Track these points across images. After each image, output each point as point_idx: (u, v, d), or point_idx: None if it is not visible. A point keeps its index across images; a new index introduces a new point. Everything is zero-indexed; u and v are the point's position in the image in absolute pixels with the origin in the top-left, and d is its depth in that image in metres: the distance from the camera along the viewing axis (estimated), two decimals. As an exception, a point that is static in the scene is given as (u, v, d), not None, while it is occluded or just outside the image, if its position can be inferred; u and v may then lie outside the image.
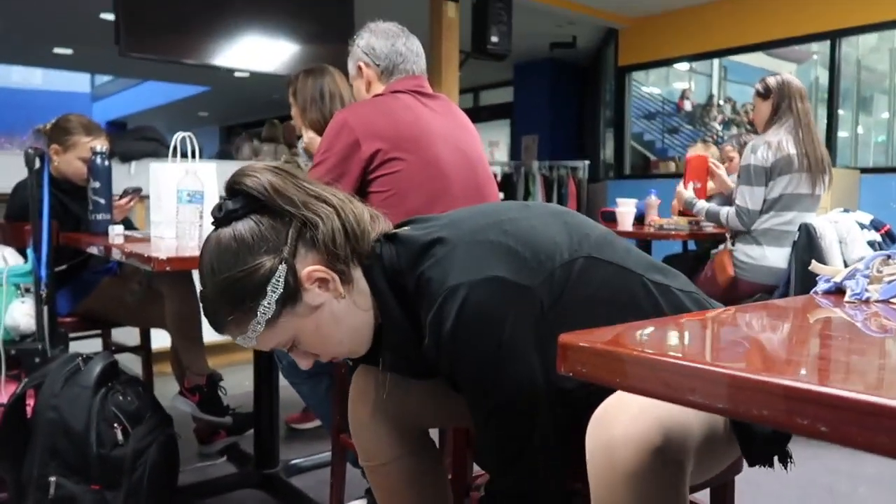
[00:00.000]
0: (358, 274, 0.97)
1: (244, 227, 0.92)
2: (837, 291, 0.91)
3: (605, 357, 0.57)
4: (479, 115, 9.87)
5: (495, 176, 8.08)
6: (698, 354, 0.53)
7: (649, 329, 0.66)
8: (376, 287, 0.97)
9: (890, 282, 0.87)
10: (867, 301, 0.85)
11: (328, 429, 1.92)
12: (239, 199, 0.93)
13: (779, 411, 0.46)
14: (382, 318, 0.99)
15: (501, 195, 5.23)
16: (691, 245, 3.73)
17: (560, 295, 0.92)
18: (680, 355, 0.53)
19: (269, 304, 0.90)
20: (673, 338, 0.64)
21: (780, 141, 2.58)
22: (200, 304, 0.98)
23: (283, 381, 2.00)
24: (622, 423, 0.74)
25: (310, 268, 0.92)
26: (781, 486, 2.05)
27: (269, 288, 0.90)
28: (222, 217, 0.94)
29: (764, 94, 2.71)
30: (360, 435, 1.16)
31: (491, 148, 9.96)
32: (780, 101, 2.64)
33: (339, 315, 0.95)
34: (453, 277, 0.88)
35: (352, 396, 1.18)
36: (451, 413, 1.18)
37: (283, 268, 0.90)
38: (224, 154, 6.26)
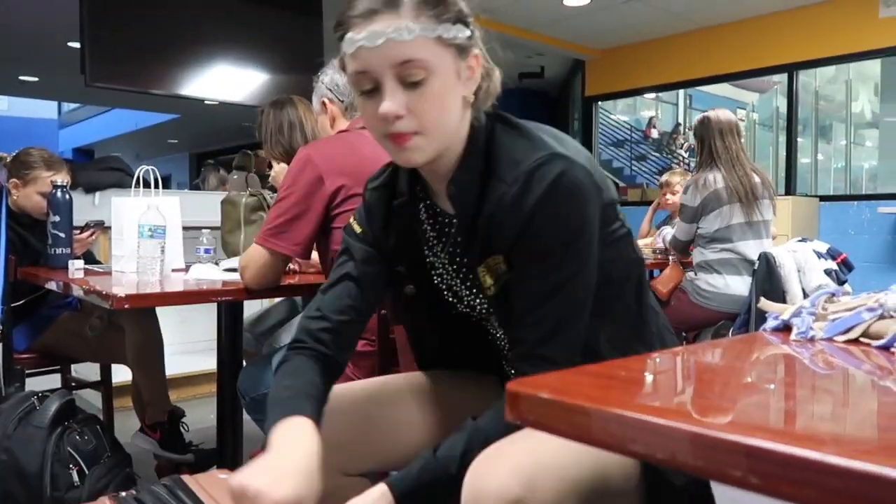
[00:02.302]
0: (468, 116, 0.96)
1: None
2: (786, 328, 0.93)
3: (549, 406, 0.58)
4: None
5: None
6: (639, 404, 0.54)
7: (595, 375, 0.67)
8: (479, 125, 0.96)
9: (833, 320, 0.89)
10: (812, 339, 0.87)
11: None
12: None
13: (713, 462, 0.47)
14: (466, 155, 0.95)
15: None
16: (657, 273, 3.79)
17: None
18: (619, 405, 0.54)
19: (458, 31, 0.88)
20: (618, 385, 0.65)
21: (706, 179, 2.72)
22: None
23: (247, 416, 1.97)
24: (489, 476, 0.77)
25: (480, 56, 0.92)
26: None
27: (469, 21, 0.90)
28: None
29: (694, 134, 2.89)
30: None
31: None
32: (703, 139, 2.79)
33: (457, 108, 0.91)
34: (559, 149, 0.91)
35: None
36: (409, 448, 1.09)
37: (473, 28, 0.91)
38: (196, 187, 6.22)
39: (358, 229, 1.07)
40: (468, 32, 0.90)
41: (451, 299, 1.08)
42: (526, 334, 0.94)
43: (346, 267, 1.05)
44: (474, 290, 1.04)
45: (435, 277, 1.08)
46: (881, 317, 0.85)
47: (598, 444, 0.55)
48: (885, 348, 0.79)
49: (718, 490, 0.63)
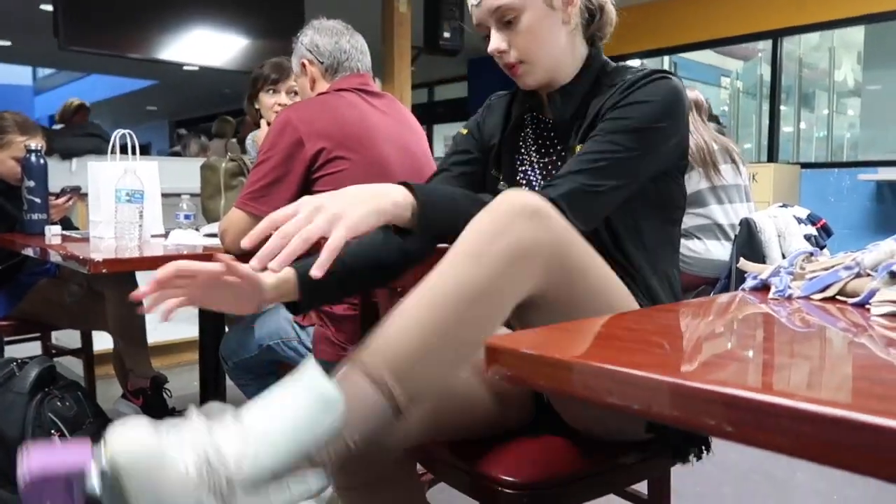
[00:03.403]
0: (583, 43, 1.11)
1: None
2: (764, 288, 0.94)
3: (528, 361, 0.58)
4: (434, 110, 9.86)
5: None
6: (616, 357, 0.55)
7: (574, 331, 0.67)
8: (597, 53, 1.11)
9: (811, 279, 0.90)
10: (790, 298, 0.88)
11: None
12: None
13: (689, 412, 0.48)
14: (580, 73, 1.09)
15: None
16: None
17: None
18: (597, 359, 0.54)
19: None
20: (595, 341, 0.65)
21: None
22: None
23: (230, 382, 1.97)
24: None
25: None
26: (720, 471, 2.11)
27: None
28: None
29: None
30: None
31: (447, 142, 9.97)
32: None
33: (558, 34, 1.06)
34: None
35: None
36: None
37: None
38: (176, 153, 6.13)
39: (465, 132, 1.23)
40: None
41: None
42: (574, 164, 1.00)
43: (446, 163, 1.20)
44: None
45: (520, 174, 1.16)
46: (857, 275, 0.86)
47: (577, 397, 0.55)
48: (861, 305, 0.80)
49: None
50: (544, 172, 1.13)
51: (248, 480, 0.67)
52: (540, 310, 0.84)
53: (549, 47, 1.06)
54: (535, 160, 1.15)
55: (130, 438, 0.66)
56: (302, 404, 0.71)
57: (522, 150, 1.17)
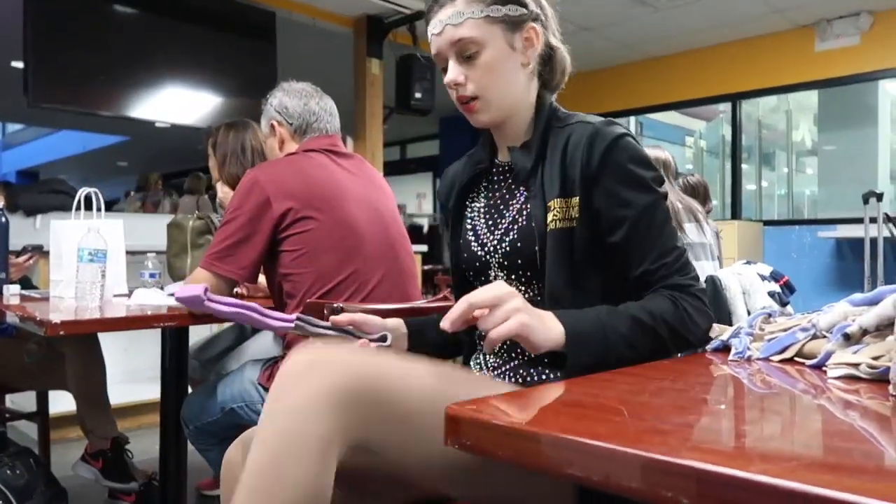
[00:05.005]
0: (536, 88, 1.12)
1: None
2: (725, 349, 0.95)
3: (488, 430, 0.58)
4: (406, 166, 9.98)
5: (421, 228, 8.12)
6: (575, 427, 0.54)
7: (533, 397, 0.66)
8: (547, 100, 1.12)
9: (770, 339, 0.91)
10: (749, 359, 0.89)
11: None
12: None
13: (647, 484, 0.48)
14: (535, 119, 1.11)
15: (425, 248, 5.24)
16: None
17: None
18: (557, 428, 0.54)
19: (508, 10, 1.05)
20: (556, 408, 0.65)
21: None
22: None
23: (192, 447, 1.91)
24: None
25: (538, 29, 1.08)
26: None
27: (527, 2, 1.06)
28: None
29: None
30: None
31: (419, 199, 10.04)
32: None
33: (516, 74, 1.08)
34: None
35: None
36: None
37: (533, 7, 1.07)
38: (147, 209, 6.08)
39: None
40: (522, 10, 1.06)
41: (472, 243, 1.16)
42: (647, 264, 1.00)
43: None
44: (502, 230, 1.11)
45: (467, 220, 1.18)
46: (814, 336, 0.87)
47: (536, 468, 0.55)
48: (818, 367, 0.81)
49: None
50: (487, 216, 1.14)
51: None
52: (382, 444, 0.82)
53: (506, 86, 1.07)
54: (481, 205, 1.16)
55: None
56: None
57: (474, 199, 1.19)
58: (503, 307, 0.85)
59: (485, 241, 1.13)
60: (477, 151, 1.19)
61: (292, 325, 1.02)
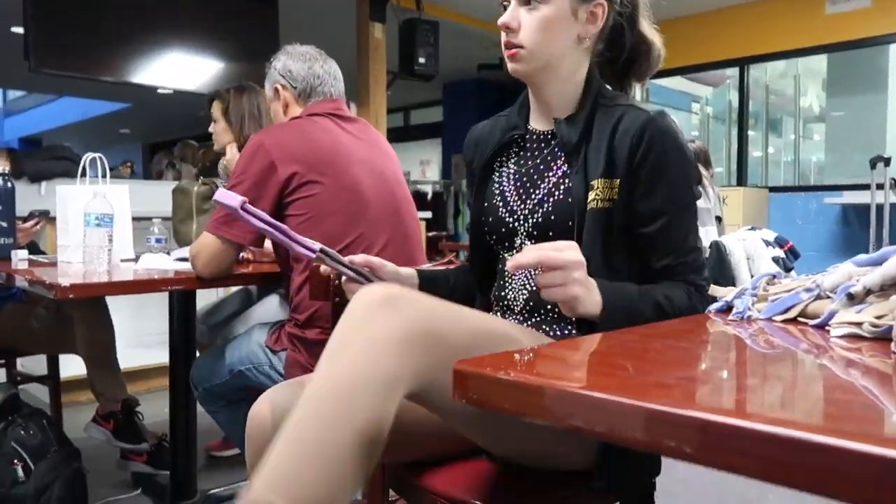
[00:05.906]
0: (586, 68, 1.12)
1: None
2: (729, 309, 0.96)
3: (494, 384, 0.59)
4: (409, 133, 9.91)
5: (426, 195, 8.08)
6: (581, 380, 0.55)
7: (538, 354, 0.67)
8: (592, 78, 1.12)
9: (774, 300, 0.92)
10: (749, 319, 0.89)
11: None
12: None
13: (649, 434, 0.49)
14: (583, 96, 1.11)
15: (429, 214, 5.23)
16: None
17: None
18: (562, 382, 0.55)
19: None
20: (560, 363, 0.66)
21: None
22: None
23: (201, 409, 1.94)
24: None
25: (605, 8, 1.09)
26: (696, 493, 2.12)
27: None
28: None
29: None
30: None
31: (422, 166, 10.00)
32: None
33: (567, 41, 1.08)
34: None
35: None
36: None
37: None
38: (150, 175, 6.07)
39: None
40: None
41: (500, 208, 1.15)
42: (666, 251, 1.05)
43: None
44: (535, 201, 1.12)
45: (495, 185, 1.18)
46: (818, 297, 0.88)
47: (541, 419, 0.56)
48: (821, 327, 0.82)
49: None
50: (518, 183, 1.14)
51: None
52: (437, 389, 0.82)
53: (553, 48, 1.07)
54: (511, 171, 1.16)
55: None
56: None
57: (503, 164, 1.19)
58: (566, 272, 0.87)
59: (514, 208, 1.13)
60: (511, 115, 1.19)
61: (314, 254, 1.06)
